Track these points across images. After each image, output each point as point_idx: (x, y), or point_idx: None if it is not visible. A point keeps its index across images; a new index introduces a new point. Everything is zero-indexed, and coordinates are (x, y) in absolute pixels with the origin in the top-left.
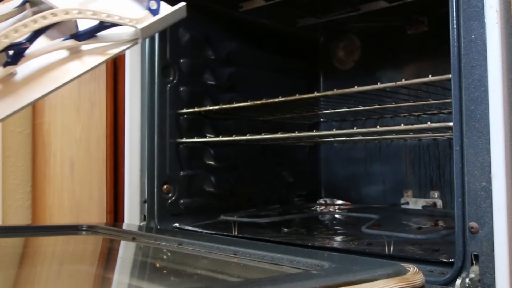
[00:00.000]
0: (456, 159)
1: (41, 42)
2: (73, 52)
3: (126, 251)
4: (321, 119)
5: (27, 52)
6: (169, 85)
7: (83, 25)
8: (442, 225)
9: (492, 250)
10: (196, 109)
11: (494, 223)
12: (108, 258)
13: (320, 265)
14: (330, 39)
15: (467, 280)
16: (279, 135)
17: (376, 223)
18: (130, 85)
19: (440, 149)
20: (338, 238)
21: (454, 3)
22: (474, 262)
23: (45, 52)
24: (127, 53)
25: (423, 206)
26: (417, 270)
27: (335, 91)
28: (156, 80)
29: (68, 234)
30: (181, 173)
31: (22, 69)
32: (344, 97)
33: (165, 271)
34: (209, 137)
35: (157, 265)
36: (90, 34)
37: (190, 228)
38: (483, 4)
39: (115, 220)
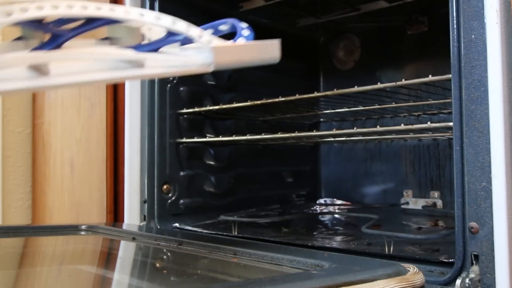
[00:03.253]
0: (456, 159)
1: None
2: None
3: (126, 251)
4: (321, 119)
5: (67, 44)
6: (169, 85)
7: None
8: (442, 225)
9: (492, 250)
10: (196, 109)
11: (494, 223)
12: (108, 258)
13: (320, 265)
14: (330, 39)
15: (467, 280)
16: (279, 135)
17: (376, 223)
18: (130, 85)
19: (440, 149)
20: (338, 238)
21: (454, 3)
22: (474, 262)
23: (84, 53)
24: None
25: (423, 206)
26: (417, 270)
27: (335, 91)
28: (156, 80)
29: (68, 234)
30: (181, 173)
31: (55, 69)
32: (344, 97)
33: (165, 271)
34: (209, 137)
35: (157, 265)
36: (154, 46)
37: (190, 228)
38: (483, 4)
39: (115, 220)
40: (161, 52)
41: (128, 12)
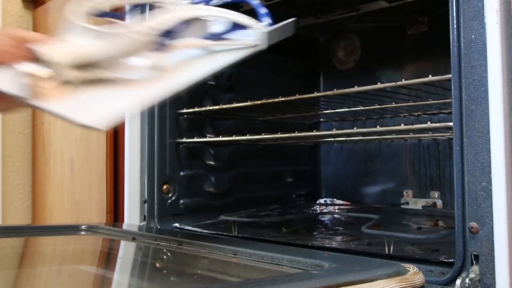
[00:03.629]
0: (456, 159)
1: (181, 39)
2: (206, 51)
3: (126, 251)
4: (321, 119)
5: (172, 43)
6: None
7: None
8: (442, 225)
9: (492, 250)
10: (196, 109)
11: (494, 223)
12: (108, 258)
13: (320, 265)
14: (330, 39)
15: (467, 280)
16: (279, 135)
17: (376, 223)
18: None
19: (440, 149)
20: (338, 238)
21: (454, 3)
22: (474, 262)
23: (185, 46)
24: None
25: (423, 206)
26: (417, 270)
27: (335, 91)
28: None
29: (68, 234)
30: (181, 173)
31: (167, 61)
32: (344, 97)
33: (165, 271)
34: (209, 137)
35: (157, 265)
36: (220, 35)
37: (190, 228)
38: (483, 4)
39: (115, 220)
40: (225, 40)
41: (211, 9)
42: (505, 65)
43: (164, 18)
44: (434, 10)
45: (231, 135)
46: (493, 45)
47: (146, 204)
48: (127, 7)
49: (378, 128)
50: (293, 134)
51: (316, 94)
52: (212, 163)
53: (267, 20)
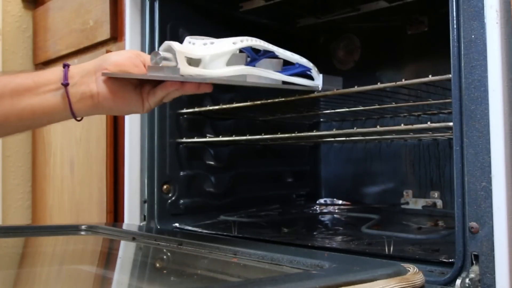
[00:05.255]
0: (456, 159)
1: (263, 66)
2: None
3: (126, 251)
4: (321, 119)
5: (255, 63)
6: None
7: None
8: (442, 225)
9: (492, 250)
10: (196, 109)
11: (494, 223)
12: (108, 258)
13: (320, 265)
14: (330, 39)
15: (467, 280)
16: (279, 135)
17: (376, 223)
18: None
19: (440, 149)
20: (338, 238)
21: (454, 3)
22: (474, 262)
23: (265, 71)
24: None
25: (423, 206)
26: (417, 270)
27: (335, 91)
28: None
29: (68, 234)
30: (181, 173)
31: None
32: (344, 97)
33: (165, 271)
34: (209, 137)
35: (157, 265)
36: (289, 72)
37: (190, 228)
38: (483, 4)
39: (115, 220)
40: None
41: (285, 52)
42: (505, 65)
43: (251, 43)
44: (434, 10)
45: (231, 135)
46: (493, 45)
47: (146, 204)
48: None
49: (378, 128)
50: (293, 134)
51: (316, 94)
52: (212, 163)
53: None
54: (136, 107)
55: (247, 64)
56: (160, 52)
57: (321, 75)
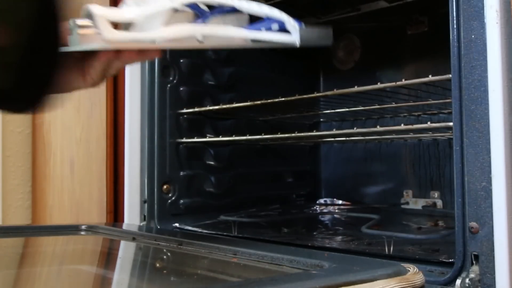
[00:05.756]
0: (456, 159)
1: (219, 22)
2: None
3: (126, 251)
4: (321, 119)
5: (209, 20)
6: (169, 85)
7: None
8: (442, 225)
9: (492, 250)
10: (196, 109)
11: (494, 223)
12: (108, 258)
13: (320, 265)
14: None
15: (467, 280)
16: (279, 135)
17: (376, 223)
18: (130, 85)
19: (440, 149)
20: (338, 238)
21: (454, 3)
22: (474, 262)
23: (222, 30)
24: None
25: (423, 206)
26: (417, 270)
27: (335, 91)
28: (156, 80)
29: (68, 234)
30: (181, 173)
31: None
32: (344, 97)
33: (165, 271)
34: (209, 137)
35: (157, 265)
36: (257, 28)
37: (190, 228)
38: (483, 4)
39: (115, 220)
40: (264, 31)
41: (249, 3)
42: (505, 65)
43: None
44: (434, 10)
45: (231, 135)
46: (493, 45)
47: (146, 204)
48: None
49: (378, 128)
50: (293, 134)
51: (316, 94)
52: (212, 163)
53: (301, 25)
54: (76, 82)
55: (195, 22)
56: (75, 20)
57: (298, 28)
